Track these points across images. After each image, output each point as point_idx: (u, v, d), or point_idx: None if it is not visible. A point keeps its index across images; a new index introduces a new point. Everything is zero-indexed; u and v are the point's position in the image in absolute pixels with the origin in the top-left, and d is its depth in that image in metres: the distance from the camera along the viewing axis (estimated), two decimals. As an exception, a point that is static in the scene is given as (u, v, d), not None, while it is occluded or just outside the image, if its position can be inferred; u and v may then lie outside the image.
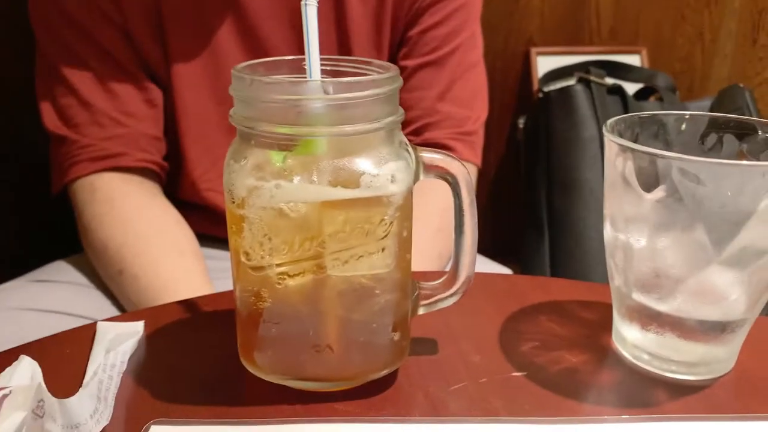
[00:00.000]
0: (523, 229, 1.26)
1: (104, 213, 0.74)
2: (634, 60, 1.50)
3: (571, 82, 1.28)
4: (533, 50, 1.47)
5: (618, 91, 1.26)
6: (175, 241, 0.75)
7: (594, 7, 1.49)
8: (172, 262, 0.72)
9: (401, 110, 0.39)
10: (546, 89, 1.29)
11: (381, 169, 0.36)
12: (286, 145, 0.36)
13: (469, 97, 0.85)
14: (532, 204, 1.24)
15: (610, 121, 0.43)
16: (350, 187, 0.36)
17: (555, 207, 1.19)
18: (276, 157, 0.36)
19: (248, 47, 0.76)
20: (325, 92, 0.35)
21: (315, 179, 0.36)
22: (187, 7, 0.74)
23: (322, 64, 0.39)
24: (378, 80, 0.36)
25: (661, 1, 1.51)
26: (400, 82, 0.38)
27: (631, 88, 1.36)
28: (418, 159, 0.39)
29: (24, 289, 0.76)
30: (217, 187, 0.81)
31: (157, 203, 0.77)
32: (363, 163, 0.36)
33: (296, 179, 0.36)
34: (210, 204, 0.81)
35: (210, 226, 0.83)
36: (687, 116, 0.46)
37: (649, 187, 0.39)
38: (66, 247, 0.85)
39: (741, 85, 1.35)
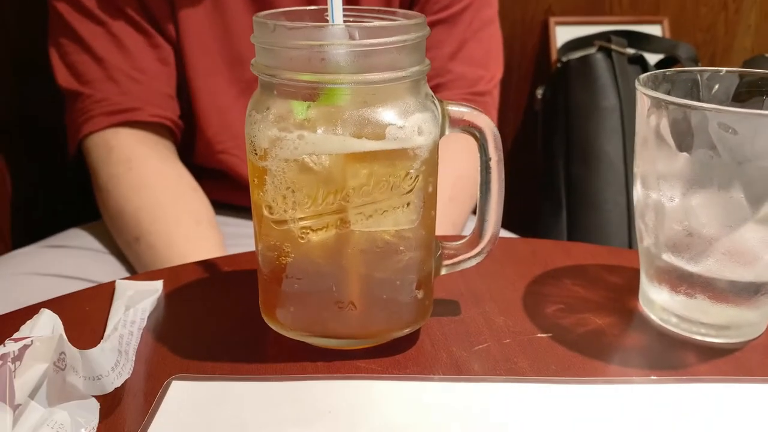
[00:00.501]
0: (540, 200, 1.24)
1: (121, 174, 0.73)
2: (655, 30, 1.46)
3: (591, 51, 1.25)
4: (552, 20, 1.44)
5: (639, 60, 1.23)
6: (192, 208, 0.74)
7: (615, -25, 1.45)
8: (189, 232, 0.72)
9: (427, 61, 0.37)
10: (565, 58, 1.26)
11: (407, 121, 0.35)
12: (310, 94, 0.35)
13: (482, 56, 0.83)
14: (549, 174, 1.22)
15: (642, 76, 0.42)
16: (375, 138, 0.35)
17: (573, 177, 1.17)
18: (299, 108, 0.35)
19: (257, 8, 0.75)
20: (351, 38, 0.33)
21: (339, 130, 0.35)
22: None
23: (344, 14, 0.37)
24: (405, 26, 0.35)
25: (685, -31, 1.47)
26: (427, 30, 0.36)
27: (652, 59, 1.33)
28: (444, 112, 0.38)
29: (38, 255, 0.76)
30: (230, 149, 0.80)
31: (173, 167, 0.76)
32: (388, 115, 0.35)
33: (320, 130, 0.35)
34: (225, 168, 0.81)
35: (225, 192, 0.83)
36: (721, 73, 0.44)
37: (683, 142, 0.38)
38: (81, 216, 0.85)
39: (766, 55, 1.31)
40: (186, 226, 0.72)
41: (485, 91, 0.82)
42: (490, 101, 0.83)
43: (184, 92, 0.78)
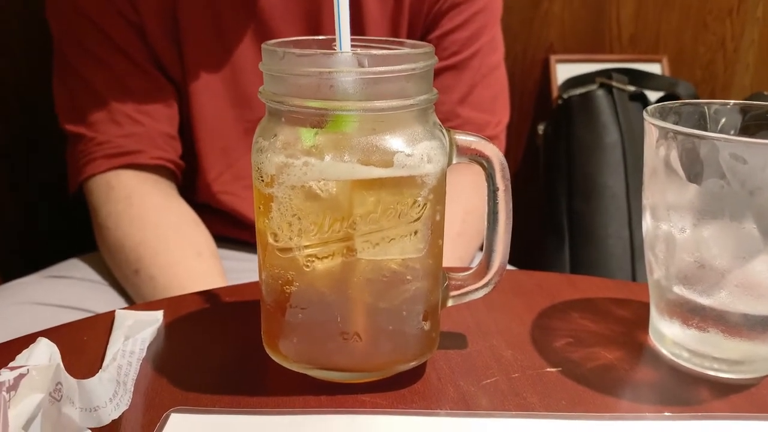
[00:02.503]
0: (543, 236, 1.23)
1: (121, 211, 0.73)
2: (654, 68, 1.48)
3: (593, 87, 1.26)
4: (553, 57, 1.45)
5: (640, 97, 1.24)
6: (193, 241, 0.74)
7: (614, 14, 1.47)
8: (190, 263, 0.71)
9: (435, 90, 0.37)
10: (566, 95, 1.27)
11: (415, 148, 0.35)
12: (318, 121, 0.34)
13: (489, 101, 0.84)
14: (551, 210, 1.22)
15: (650, 108, 0.42)
16: (383, 166, 0.34)
17: (575, 213, 1.17)
18: (306, 135, 0.35)
19: None
20: (360, 65, 0.33)
21: (347, 157, 0.34)
22: (202, 9, 0.73)
23: (353, 44, 0.37)
24: (413, 54, 0.35)
25: (683, 9, 1.49)
26: (434, 59, 0.36)
27: (652, 96, 1.34)
28: (452, 141, 0.38)
29: (39, 284, 0.75)
30: (232, 190, 0.80)
31: (174, 203, 0.76)
32: (396, 142, 0.35)
33: (327, 157, 0.34)
34: (225, 207, 0.80)
35: (226, 228, 0.82)
36: (729, 105, 0.44)
37: (693, 173, 0.38)
38: (82, 246, 0.85)
39: (766, 93, 1.32)
40: (187, 258, 0.71)
41: (493, 136, 0.83)
42: (498, 146, 0.84)
43: (187, 132, 0.79)
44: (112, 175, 0.74)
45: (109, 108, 0.74)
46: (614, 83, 1.23)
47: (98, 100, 0.74)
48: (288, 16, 0.74)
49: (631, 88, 1.26)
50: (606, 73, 1.29)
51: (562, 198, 1.20)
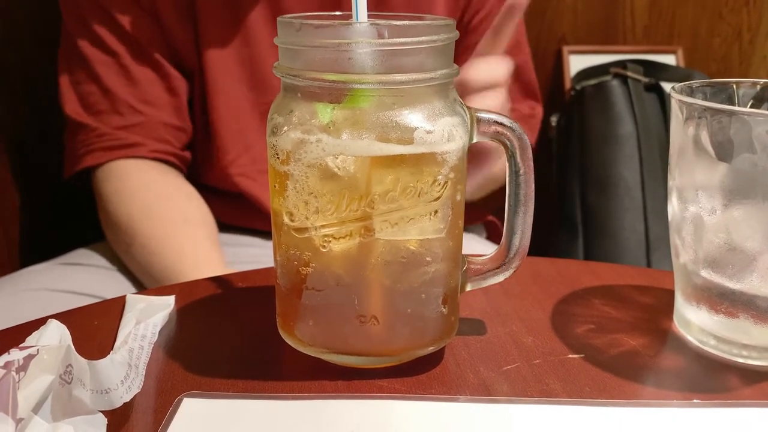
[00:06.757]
0: (556, 229, 1.22)
1: (118, 189, 0.73)
2: (669, 60, 1.45)
3: (607, 78, 1.24)
4: (565, 49, 1.43)
5: (655, 88, 1.22)
6: (180, 208, 0.73)
7: (628, 5, 1.45)
8: (178, 229, 0.71)
9: (456, 66, 0.36)
10: (579, 86, 1.26)
11: (436, 125, 0.34)
12: (335, 96, 0.33)
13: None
14: (564, 203, 1.20)
15: (676, 86, 0.41)
16: (402, 142, 0.33)
17: (589, 206, 1.15)
18: (323, 111, 0.34)
19: None
20: (379, 37, 0.32)
21: (365, 134, 0.33)
22: None
23: (371, 20, 0.36)
24: (434, 26, 0.33)
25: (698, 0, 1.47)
26: (455, 33, 0.35)
27: (667, 88, 1.32)
28: (473, 118, 0.36)
29: (51, 272, 0.75)
30: (248, 172, 0.79)
31: (170, 179, 0.76)
32: (416, 118, 0.34)
33: (345, 133, 0.33)
34: (241, 190, 0.80)
35: (241, 215, 0.82)
36: (758, 86, 0.43)
37: (724, 151, 0.36)
38: (93, 235, 0.84)
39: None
40: (176, 225, 0.71)
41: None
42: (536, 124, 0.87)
43: (204, 115, 0.78)
44: (112, 164, 0.74)
45: (113, 98, 0.74)
46: (629, 73, 1.21)
47: (102, 89, 0.74)
48: None
49: (646, 79, 1.24)
50: (620, 64, 1.27)
51: (575, 190, 1.18)
